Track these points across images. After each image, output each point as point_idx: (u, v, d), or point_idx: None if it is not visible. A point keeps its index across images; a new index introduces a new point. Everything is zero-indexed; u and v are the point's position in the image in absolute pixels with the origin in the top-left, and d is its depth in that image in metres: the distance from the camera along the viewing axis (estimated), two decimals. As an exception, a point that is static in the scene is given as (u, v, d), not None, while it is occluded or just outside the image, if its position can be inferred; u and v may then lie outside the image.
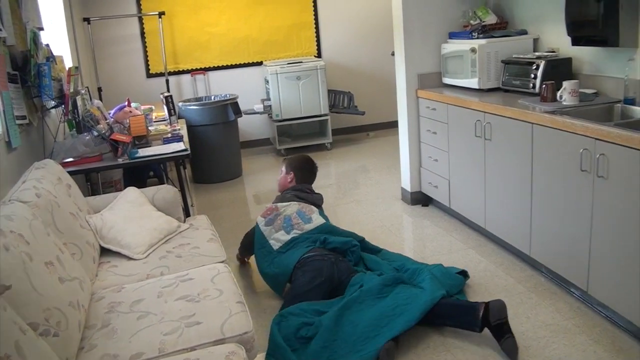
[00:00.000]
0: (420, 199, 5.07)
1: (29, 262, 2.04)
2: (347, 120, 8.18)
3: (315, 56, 7.93)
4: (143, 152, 3.93)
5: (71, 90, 3.95)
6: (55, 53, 4.09)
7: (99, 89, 6.97)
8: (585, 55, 3.82)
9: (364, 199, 5.43)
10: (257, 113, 7.42)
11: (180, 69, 7.57)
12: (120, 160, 3.80)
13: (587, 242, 3.02)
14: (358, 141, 7.95)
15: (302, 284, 3.27)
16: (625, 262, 2.77)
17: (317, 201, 3.91)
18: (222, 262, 2.97)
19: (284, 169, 4.07)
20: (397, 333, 2.86)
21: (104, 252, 3.13)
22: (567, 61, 3.88)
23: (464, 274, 3.55)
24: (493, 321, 2.84)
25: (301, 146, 7.54)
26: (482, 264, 3.81)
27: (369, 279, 3.27)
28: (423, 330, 3.03)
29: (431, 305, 2.99)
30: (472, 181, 4.14)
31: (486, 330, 2.89)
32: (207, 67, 7.65)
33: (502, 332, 2.83)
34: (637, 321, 2.76)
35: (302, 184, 3.98)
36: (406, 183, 5.15)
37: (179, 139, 4.24)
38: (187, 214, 4.03)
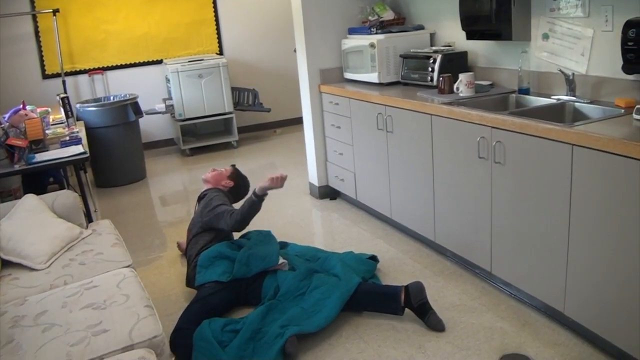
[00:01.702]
0: (328, 193, 5.14)
1: None
2: (253, 118, 8.15)
3: (217, 53, 7.84)
4: (41, 157, 3.76)
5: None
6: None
7: (-9, 92, 6.60)
8: (480, 49, 3.99)
9: (273, 195, 5.35)
10: (159, 113, 7.26)
11: (78, 69, 7.28)
12: (17, 167, 3.62)
13: (489, 225, 3.16)
14: (265, 138, 7.94)
15: (207, 287, 3.26)
16: (524, 242, 2.93)
17: None
18: (127, 266, 2.90)
19: (227, 171, 4.05)
20: (317, 329, 2.92)
21: (5, 264, 2.97)
22: (463, 55, 4.04)
23: (374, 258, 3.65)
24: (415, 303, 2.98)
25: (207, 145, 7.44)
26: (390, 252, 3.91)
27: (282, 278, 3.28)
28: (336, 320, 3.08)
29: (348, 296, 3.06)
30: (377, 173, 4.24)
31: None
32: (105, 66, 7.39)
33: (424, 310, 2.98)
34: (539, 295, 2.93)
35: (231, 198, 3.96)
36: (313, 177, 5.20)
37: (77, 141, 4.08)
38: (89, 219, 3.89)
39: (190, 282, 3.47)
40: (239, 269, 3.28)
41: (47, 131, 4.38)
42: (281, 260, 3.40)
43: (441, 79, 3.75)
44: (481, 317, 3.04)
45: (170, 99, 7.14)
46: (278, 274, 3.34)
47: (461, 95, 3.61)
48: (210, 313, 3.10)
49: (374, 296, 3.12)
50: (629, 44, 2.72)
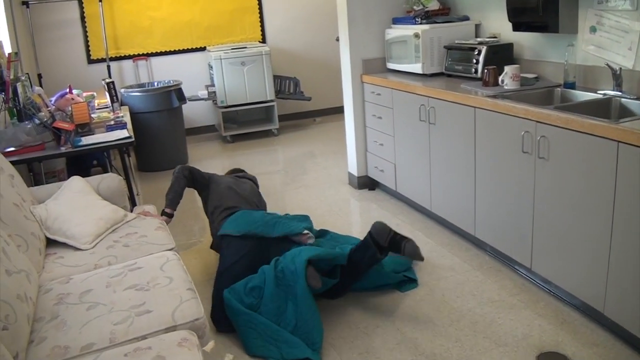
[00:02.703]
0: (367, 183, 5.13)
1: (-28, 254, 1.98)
2: (294, 106, 8.18)
3: (259, 41, 7.88)
4: (86, 140, 3.84)
5: (12, 77, 3.82)
6: (-7, 38, 3.95)
7: (39, 76, 6.76)
8: (526, 41, 3.92)
9: (312, 184, 5.46)
10: (202, 99, 7.34)
11: (122, 55, 7.40)
12: (63, 149, 3.71)
13: (530, 221, 3.12)
14: (305, 127, 7.96)
15: (228, 256, 3.31)
16: (565, 239, 2.89)
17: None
18: (170, 249, 2.95)
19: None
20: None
21: (50, 243, 3.05)
22: (509, 46, 3.98)
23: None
24: (384, 242, 3.01)
25: (247, 132, 7.50)
26: (429, 245, 3.90)
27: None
28: (373, 310, 3.09)
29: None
30: (418, 164, 4.22)
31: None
32: (149, 52, 7.49)
33: (397, 243, 3.00)
34: (578, 294, 2.89)
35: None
36: (353, 167, 5.20)
37: (122, 126, 4.16)
38: (133, 202, 3.97)
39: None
40: (262, 227, 3.30)
41: (92, 115, 4.47)
42: (306, 232, 3.39)
43: (486, 71, 3.70)
44: (519, 314, 3.01)
45: (213, 85, 7.20)
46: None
47: (506, 88, 3.56)
48: (236, 282, 3.14)
49: (356, 257, 3.10)
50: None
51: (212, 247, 3.80)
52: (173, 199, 3.61)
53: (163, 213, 3.55)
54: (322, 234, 3.84)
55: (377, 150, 4.83)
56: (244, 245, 3.28)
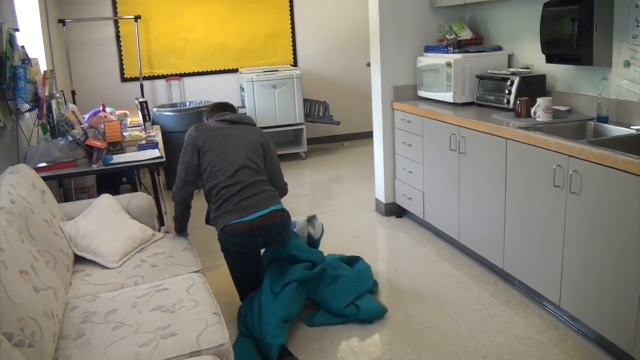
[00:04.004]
0: (394, 210, 5.10)
1: (4, 270, 2.00)
2: (322, 130, 8.20)
3: (291, 65, 7.94)
4: (118, 158, 3.89)
5: (46, 93, 3.90)
6: (30, 54, 4.03)
7: (73, 92, 6.88)
8: (559, 73, 3.89)
9: (339, 209, 5.44)
10: (232, 120, 7.37)
11: (155, 74, 7.51)
12: (94, 167, 3.76)
13: (560, 257, 3.07)
14: (333, 151, 7.97)
15: (231, 266, 3.36)
16: (596, 277, 2.83)
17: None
18: (197, 271, 2.95)
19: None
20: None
21: (78, 260, 3.08)
22: (541, 78, 3.95)
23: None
24: None
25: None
26: (456, 276, 3.85)
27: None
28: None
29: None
30: (446, 194, 4.18)
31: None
32: (182, 72, 7.59)
33: None
34: (607, 334, 2.81)
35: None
36: (380, 194, 5.18)
37: (154, 145, 4.21)
38: (161, 221, 4.00)
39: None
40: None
41: (124, 133, 4.53)
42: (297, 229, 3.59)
43: (518, 102, 3.67)
44: (547, 353, 2.94)
45: (244, 107, 7.26)
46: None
47: (538, 120, 3.53)
48: (243, 275, 3.34)
49: None
50: None
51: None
52: (182, 224, 3.50)
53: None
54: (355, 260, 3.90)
55: (406, 178, 4.81)
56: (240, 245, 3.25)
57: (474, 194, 3.85)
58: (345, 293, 3.40)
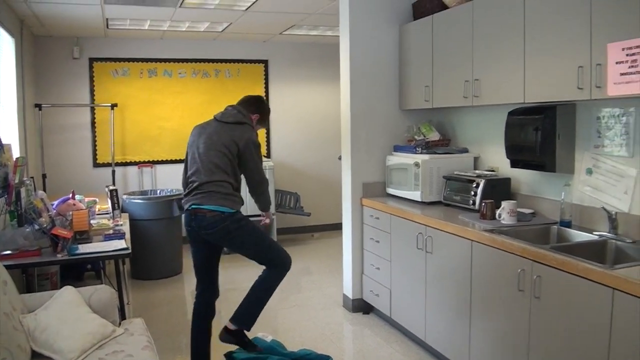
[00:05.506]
0: (362, 307, 5.06)
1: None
2: (293, 221, 8.22)
3: (264, 156, 8.04)
4: (83, 248, 3.84)
5: (16, 181, 3.88)
6: (3, 138, 4.04)
7: (44, 176, 6.86)
8: (523, 177, 4.01)
9: (306, 303, 5.39)
10: (203, 209, 7.37)
11: (128, 161, 7.55)
12: (59, 257, 3.69)
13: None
14: (303, 242, 7.97)
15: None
16: (560, 385, 2.82)
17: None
18: (156, 371, 2.87)
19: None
20: None
21: (35, 355, 2.98)
22: (506, 181, 4.06)
23: None
24: None
25: (245, 244, 7.48)
26: (422, 378, 3.79)
27: None
28: None
29: None
30: (413, 293, 4.18)
31: None
32: (155, 160, 7.64)
33: None
34: None
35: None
36: (348, 289, 5.15)
37: (120, 236, 4.16)
38: (122, 314, 3.90)
39: None
40: None
41: (92, 221, 4.50)
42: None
43: (484, 204, 3.76)
44: None
45: (215, 196, 7.26)
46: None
47: (503, 222, 3.60)
48: (194, 261, 3.93)
49: None
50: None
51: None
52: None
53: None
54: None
55: (374, 274, 4.81)
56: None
57: (440, 294, 3.86)
58: None
